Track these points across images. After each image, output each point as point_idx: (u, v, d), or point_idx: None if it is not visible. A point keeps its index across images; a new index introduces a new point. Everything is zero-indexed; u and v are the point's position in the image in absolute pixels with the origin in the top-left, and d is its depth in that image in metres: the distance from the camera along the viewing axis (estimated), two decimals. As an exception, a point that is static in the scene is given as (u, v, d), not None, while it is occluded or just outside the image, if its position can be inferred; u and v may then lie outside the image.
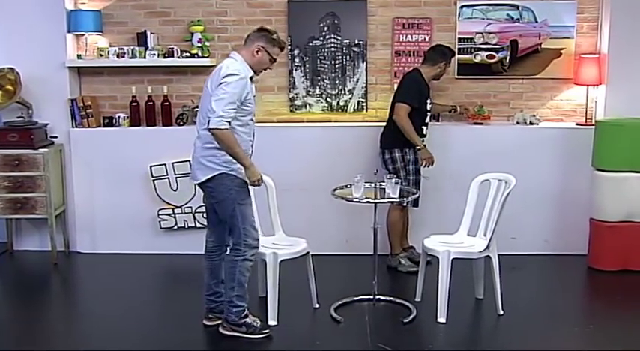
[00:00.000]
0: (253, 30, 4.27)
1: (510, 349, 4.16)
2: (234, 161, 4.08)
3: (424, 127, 5.42)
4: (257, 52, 4.17)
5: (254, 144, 4.29)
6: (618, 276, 5.38)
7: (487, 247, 4.52)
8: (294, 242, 4.66)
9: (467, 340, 4.40)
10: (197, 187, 5.63)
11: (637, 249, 5.43)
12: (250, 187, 4.22)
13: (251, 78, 4.16)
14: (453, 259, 4.45)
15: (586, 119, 5.84)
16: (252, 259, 4.22)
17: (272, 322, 4.38)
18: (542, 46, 5.92)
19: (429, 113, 5.44)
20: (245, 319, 4.24)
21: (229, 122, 3.97)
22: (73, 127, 5.88)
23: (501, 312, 4.58)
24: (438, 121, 5.89)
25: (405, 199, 4.75)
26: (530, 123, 5.83)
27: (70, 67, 5.86)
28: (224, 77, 4.01)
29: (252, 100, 4.15)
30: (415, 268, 5.10)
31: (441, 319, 4.44)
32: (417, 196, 4.89)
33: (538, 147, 5.76)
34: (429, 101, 5.38)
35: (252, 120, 4.21)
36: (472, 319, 4.71)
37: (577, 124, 5.87)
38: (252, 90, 4.17)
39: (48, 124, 5.83)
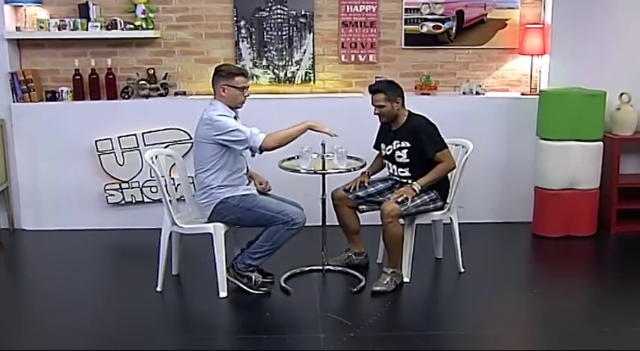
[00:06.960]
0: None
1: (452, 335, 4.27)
2: (221, 188, 4.35)
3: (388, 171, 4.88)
4: (223, 91, 4.37)
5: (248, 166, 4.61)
6: (561, 242, 5.51)
7: (448, 210, 4.70)
8: None
9: (430, 295, 4.72)
10: (144, 162, 5.62)
11: (579, 216, 5.57)
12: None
13: (235, 117, 4.40)
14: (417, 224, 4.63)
15: (530, 89, 5.93)
16: (297, 229, 4.34)
17: (223, 294, 4.40)
18: (488, 16, 5.97)
19: (386, 161, 4.83)
20: (249, 274, 4.45)
21: (257, 134, 4.27)
22: (14, 101, 5.72)
23: (462, 270, 4.82)
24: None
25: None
26: (477, 93, 5.90)
27: (8, 40, 5.68)
28: (217, 122, 4.25)
29: None
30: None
31: (406, 278, 4.62)
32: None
33: (484, 117, 5.82)
34: (382, 146, 4.80)
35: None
36: (435, 277, 4.96)
37: (522, 94, 5.95)
38: None
39: (-13, 98, 5.68)
